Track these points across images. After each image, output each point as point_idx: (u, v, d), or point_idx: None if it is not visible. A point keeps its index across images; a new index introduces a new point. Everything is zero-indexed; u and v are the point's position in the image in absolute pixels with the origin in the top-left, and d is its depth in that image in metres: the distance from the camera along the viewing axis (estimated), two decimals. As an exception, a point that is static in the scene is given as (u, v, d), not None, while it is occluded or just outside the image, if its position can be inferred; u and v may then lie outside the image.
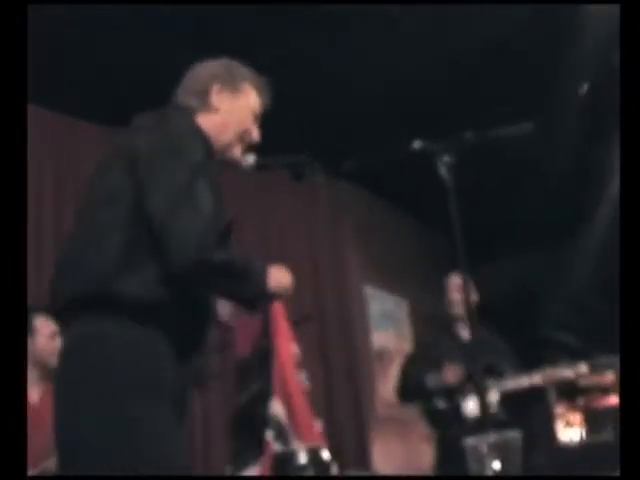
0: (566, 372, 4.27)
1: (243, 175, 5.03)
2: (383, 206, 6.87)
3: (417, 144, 2.46)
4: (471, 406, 4.18)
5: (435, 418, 4.26)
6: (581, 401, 10.55)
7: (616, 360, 4.24)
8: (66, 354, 1.71)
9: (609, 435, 6.26)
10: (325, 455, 1.17)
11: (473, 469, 1.45)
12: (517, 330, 7.93)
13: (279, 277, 1.97)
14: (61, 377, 1.70)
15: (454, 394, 4.23)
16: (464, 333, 4.44)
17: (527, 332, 8.63)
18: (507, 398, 4.25)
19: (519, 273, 8.47)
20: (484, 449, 1.44)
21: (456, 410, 4.21)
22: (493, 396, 4.21)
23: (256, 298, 1.92)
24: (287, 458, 1.25)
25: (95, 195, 1.81)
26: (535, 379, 4.23)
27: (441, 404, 4.25)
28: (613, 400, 6.80)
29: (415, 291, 6.91)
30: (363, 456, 5.62)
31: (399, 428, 6.21)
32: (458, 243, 2.49)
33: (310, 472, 0.93)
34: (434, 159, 2.46)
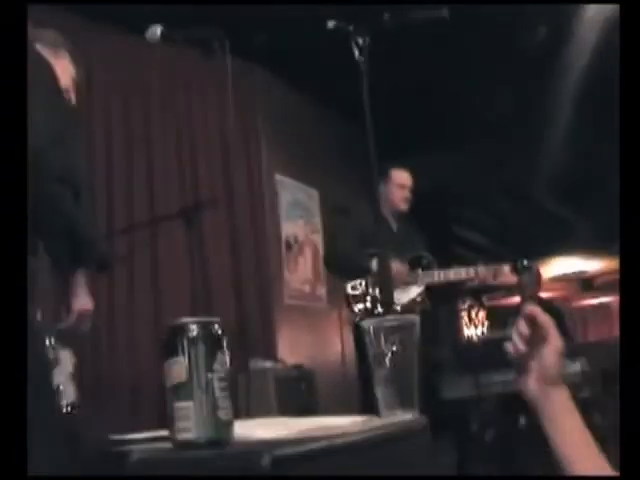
0: (490, 271, 4.40)
1: (150, 51, 4.85)
2: (296, 93, 6.73)
3: (331, 24, 2.39)
4: (401, 295, 4.27)
5: (364, 303, 4.33)
6: (485, 299, 10.96)
7: (535, 264, 4.41)
8: None
9: (510, 332, 6.54)
10: (216, 328, 1.15)
11: (369, 350, 1.45)
12: (432, 228, 8.09)
13: None
14: None
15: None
16: (392, 224, 4.54)
17: (442, 231, 8.81)
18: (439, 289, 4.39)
19: (436, 172, 8.54)
20: (380, 331, 1.44)
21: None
22: (418, 287, 4.34)
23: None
24: (178, 330, 1.23)
25: None
26: (462, 274, 4.36)
27: (376, 292, 4.31)
28: (516, 300, 7.10)
29: (327, 182, 6.89)
30: (269, 346, 5.69)
31: (306, 318, 6.31)
32: (369, 131, 2.46)
33: (201, 345, 0.93)
34: (348, 41, 2.41)
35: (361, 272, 4.33)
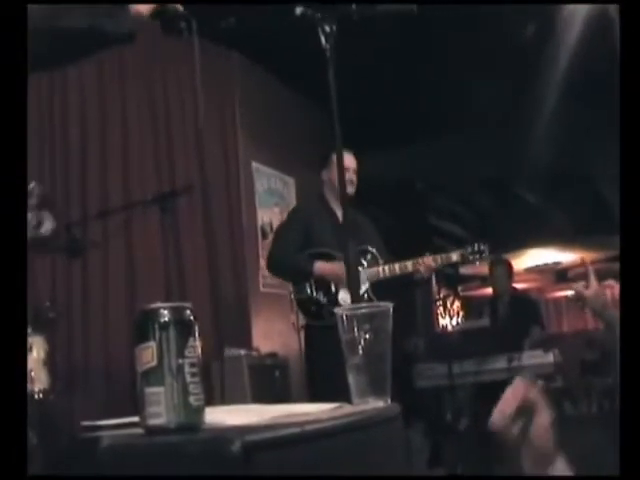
0: (436, 260, 4.31)
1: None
2: (273, 80, 6.71)
3: (299, 10, 2.38)
4: (345, 296, 4.19)
5: (309, 307, 4.27)
6: (461, 289, 10.98)
7: (485, 247, 4.34)
8: None
9: (485, 322, 6.58)
10: (188, 314, 1.14)
11: (343, 337, 1.45)
12: (404, 218, 8.10)
13: None
14: None
15: (333, 285, 4.23)
16: (339, 214, 4.43)
17: (414, 221, 8.84)
18: (386, 283, 4.30)
19: (408, 162, 8.54)
20: (353, 318, 1.43)
21: (334, 301, 4.20)
22: (363, 285, 4.24)
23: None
24: (150, 315, 1.22)
25: None
26: (409, 267, 4.26)
27: (320, 295, 4.24)
28: (490, 291, 7.13)
29: (302, 170, 6.88)
30: (244, 333, 5.67)
31: (281, 307, 6.29)
32: (335, 119, 2.46)
33: (172, 330, 0.93)
34: (315, 28, 2.40)
35: (302, 276, 4.26)
